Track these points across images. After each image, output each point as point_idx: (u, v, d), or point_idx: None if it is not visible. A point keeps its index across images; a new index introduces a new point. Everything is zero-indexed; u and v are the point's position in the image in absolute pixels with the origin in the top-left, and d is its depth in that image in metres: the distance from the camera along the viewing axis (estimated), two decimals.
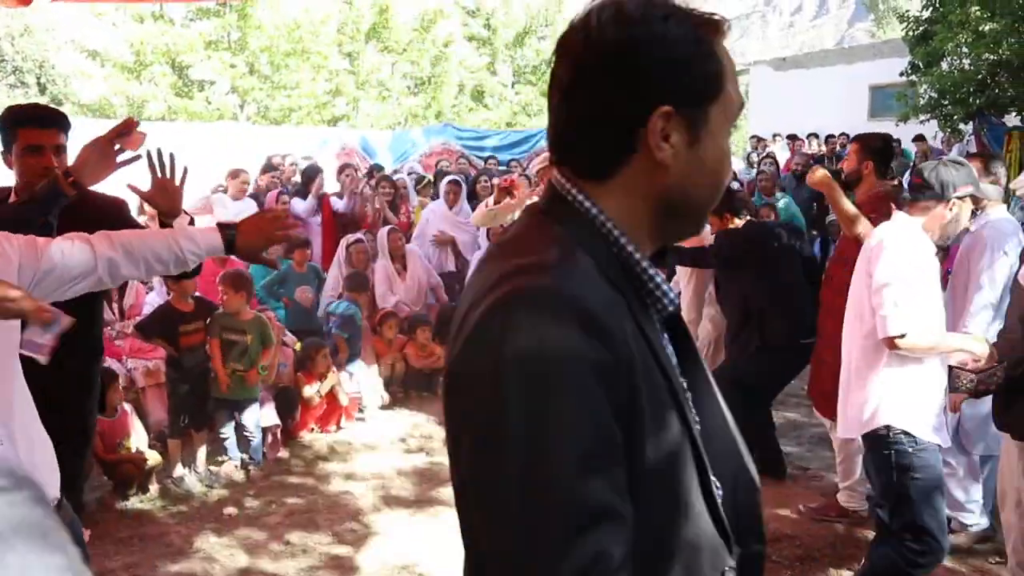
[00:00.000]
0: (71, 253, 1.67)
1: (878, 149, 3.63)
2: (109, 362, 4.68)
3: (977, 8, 8.71)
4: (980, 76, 9.30)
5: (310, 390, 4.93)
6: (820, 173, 3.55)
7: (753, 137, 13.72)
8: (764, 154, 9.77)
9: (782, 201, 7.43)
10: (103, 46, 15.38)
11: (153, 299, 5.29)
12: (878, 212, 3.30)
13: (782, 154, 12.21)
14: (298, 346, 5.19)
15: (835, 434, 3.63)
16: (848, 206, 3.46)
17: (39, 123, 2.29)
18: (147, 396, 4.76)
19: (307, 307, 5.76)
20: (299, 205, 6.79)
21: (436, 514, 3.89)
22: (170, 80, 14.60)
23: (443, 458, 4.65)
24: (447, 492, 4.12)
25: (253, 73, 15.04)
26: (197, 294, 4.49)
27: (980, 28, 8.89)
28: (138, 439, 4.16)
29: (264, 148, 8.32)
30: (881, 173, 3.64)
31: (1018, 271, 3.03)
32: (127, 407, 4.18)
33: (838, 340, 3.00)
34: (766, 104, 18.21)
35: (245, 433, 4.50)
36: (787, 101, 16.99)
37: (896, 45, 13.52)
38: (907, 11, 11.16)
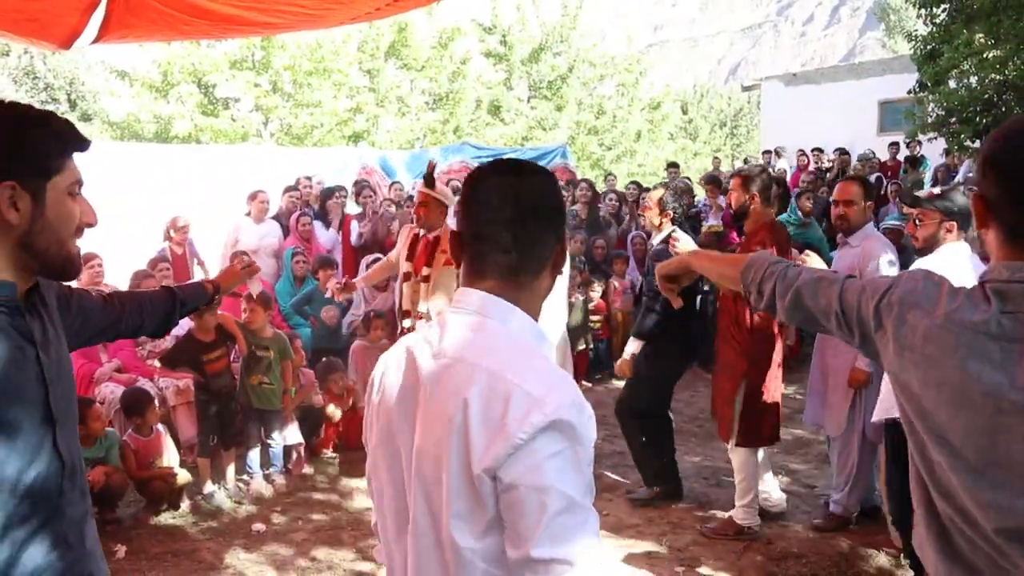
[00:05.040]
0: None
1: (759, 182, 3.83)
2: (142, 382, 4.91)
3: (981, 35, 8.77)
4: (987, 96, 9.37)
5: (330, 408, 5.14)
6: (687, 259, 3.63)
7: (766, 152, 13.83)
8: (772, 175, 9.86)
9: (811, 227, 7.41)
10: (131, 65, 15.80)
11: (184, 319, 5.50)
12: (765, 241, 3.63)
13: (784, 165, 12.34)
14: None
15: (734, 454, 3.86)
16: (721, 270, 3.64)
17: None
18: (177, 414, 4.97)
19: (332, 327, 5.96)
20: (322, 235, 7.01)
21: None
22: (196, 99, 14.93)
23: None
24: None
25: (276, 91, 15.36)
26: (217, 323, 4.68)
27: (985, 54, 8.95)
28: (170, 457, 4.36)
29: (287, 169, 8.53)
30: (766, 203, 3.85)
31: None
32: (160, 427, 4.38)
33: (735, 367, 3.73)
34: (777, 119, 18.32)
35: (268, 441, 4.71)
36: (798, 116, 17.09)
37: (905, 61, 13.61)
38: (915, 30, 11.23)
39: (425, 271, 4.25)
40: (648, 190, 9.02)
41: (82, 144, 1.37)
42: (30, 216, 1.29)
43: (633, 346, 4.17)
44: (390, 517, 1.20)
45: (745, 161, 18.07)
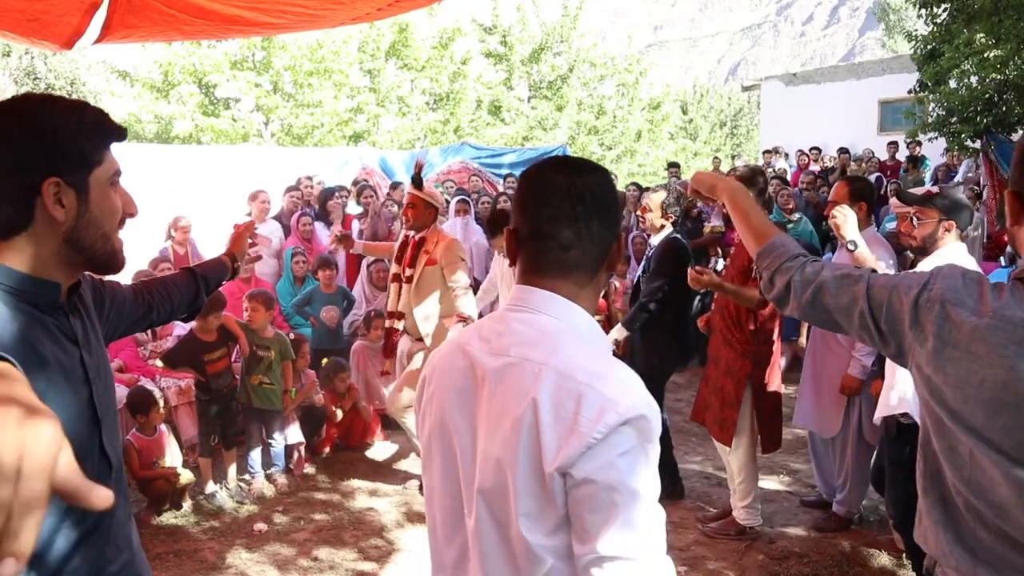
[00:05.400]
0: None
1: (755, 182, 3.86)
2: (144, 381, 4.92)
3: (982, 35, 8.79)
4: (987, 95, 9.38)
5: (331, 408, 5.14)
6: (705, 279, 3.62)
7: (766, 152, 13.84)
8: (773, 175, 9.88)
9: (801, 222, 7.47)
10: (132, 65, 15.84)
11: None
12: None
13: (784, 165, 12.34)
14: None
15: (729, 457, 3.85)
16: (734, 288, 3.67)
17: None
18: (179, 414, 4.98)
19: (332, 327, 5.96)
20: (323, 235, 7.01)
21: None
22: (197, 99, 14.92)
23: None
24: None
25: (277, 92, 15.36)
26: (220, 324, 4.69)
27: (985, 54, 8.96)
28: (173, 457, 4.37)
29: (288, 169, 8.53)
30: (762, 204, 3.86)
31: None
32: (164, 427, 4.38)
33: (739, 369, 3.67)
34: (777, 118, 18.33)
35: (269, 441, 4.72)
36: (798, 115, 17.11)
37: (905, 61, 13.63)
38: (915, 30, 11.24)
39: (408, 271, 4.22)
40: (647, 190, 9.04)
41: (120, 134, 1.32)
42: (75, 212, 1.25)
43: (617, 333, 4.17)
44: (440, 516, 1.19)
45: (737, 159, 18.09)
